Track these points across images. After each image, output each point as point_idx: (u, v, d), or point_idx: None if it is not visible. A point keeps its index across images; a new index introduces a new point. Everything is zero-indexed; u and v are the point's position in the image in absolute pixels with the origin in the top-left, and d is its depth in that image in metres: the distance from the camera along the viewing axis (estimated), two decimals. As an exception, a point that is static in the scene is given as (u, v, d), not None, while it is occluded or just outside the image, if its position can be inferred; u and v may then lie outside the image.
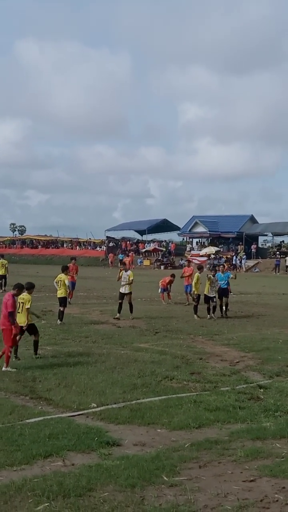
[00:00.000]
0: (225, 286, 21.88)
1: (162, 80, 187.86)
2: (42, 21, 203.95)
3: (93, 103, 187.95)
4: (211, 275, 20.80)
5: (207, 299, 20.55)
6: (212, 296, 20.65)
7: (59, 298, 18.64)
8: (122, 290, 20.13)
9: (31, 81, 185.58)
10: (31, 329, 12.96)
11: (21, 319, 12.57)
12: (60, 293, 18.62)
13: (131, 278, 20.11)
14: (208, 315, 20.06)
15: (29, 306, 12.70)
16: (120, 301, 20.07)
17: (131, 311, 20.08)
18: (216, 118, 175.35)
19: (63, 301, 18.52)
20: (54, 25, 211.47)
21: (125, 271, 20.38)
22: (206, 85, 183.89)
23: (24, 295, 12.85)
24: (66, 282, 18.78)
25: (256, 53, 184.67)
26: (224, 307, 21.70)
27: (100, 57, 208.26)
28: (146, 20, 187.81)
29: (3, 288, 30.26)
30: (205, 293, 20.59)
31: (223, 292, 21.77)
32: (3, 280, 30.76)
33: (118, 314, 19.76)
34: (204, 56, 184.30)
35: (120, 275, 20.43)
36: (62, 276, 18.81)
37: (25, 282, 13.30)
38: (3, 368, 11.54)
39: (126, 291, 20.05)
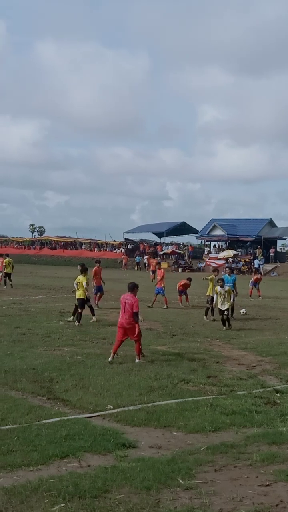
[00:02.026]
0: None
1: (179, 81, 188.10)
2: (60, 21, 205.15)
3: (110, 103, 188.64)
4: (218, 286, 19.26)
5: (220, 311, 19.38)
6: (224, 309, 18.90)
7: (77, 299, 18.72)
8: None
9: (48, 81, 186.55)
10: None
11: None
12: (79, 294, 18.68)
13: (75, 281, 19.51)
14: (224, 327, 18.98)
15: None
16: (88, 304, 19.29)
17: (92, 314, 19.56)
18: (234, 119, 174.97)
19: (81, 303, 18.58)
20: (72, 25, 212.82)
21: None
22: (223, 86, 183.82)
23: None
24: (84, 284, 18.81)
25: (272, 54, 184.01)
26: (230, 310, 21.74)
27: (117, 58, 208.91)
28: (162, 20, 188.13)
29: (7, 285, 32.11)
30: (218, 307, 19.36)
31: None
32: (8, 277, 32.61)
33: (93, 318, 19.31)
34: (221, 57, 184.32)
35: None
36: (80, 277, 18.86)
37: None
38: (136, 360, 12.67)
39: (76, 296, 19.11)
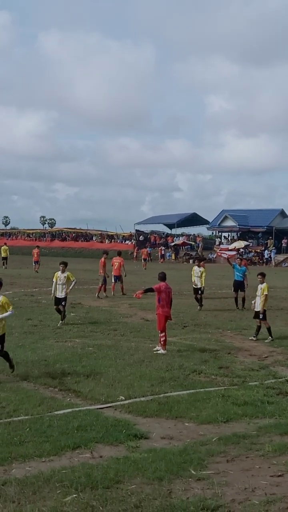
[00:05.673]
0: (241, 279, 21.76)
1: (184, 72, 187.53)
2: (65, 13, 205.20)
3: (115, 95, 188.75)
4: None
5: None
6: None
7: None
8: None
9: (54, 73, 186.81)
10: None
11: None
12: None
13: None
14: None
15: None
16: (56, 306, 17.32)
17: None
18: (241, 109, 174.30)
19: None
20: (76, 16, 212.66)
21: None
22: (228, 76, 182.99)
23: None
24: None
25: (277, 43, 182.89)
26: (241, 301, 21.73)
27: (122, 49, 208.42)
28: (167, 11, 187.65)
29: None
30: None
31: (240, 285, 21.86)
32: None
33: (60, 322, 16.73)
34: (226, 47, 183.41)
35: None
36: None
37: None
38: (162, 351, 12.81)
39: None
